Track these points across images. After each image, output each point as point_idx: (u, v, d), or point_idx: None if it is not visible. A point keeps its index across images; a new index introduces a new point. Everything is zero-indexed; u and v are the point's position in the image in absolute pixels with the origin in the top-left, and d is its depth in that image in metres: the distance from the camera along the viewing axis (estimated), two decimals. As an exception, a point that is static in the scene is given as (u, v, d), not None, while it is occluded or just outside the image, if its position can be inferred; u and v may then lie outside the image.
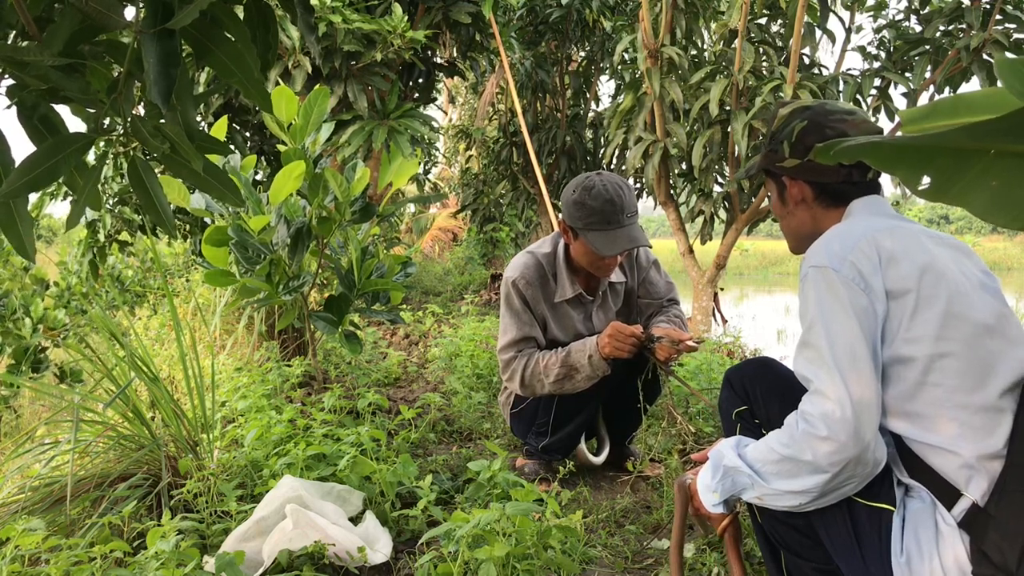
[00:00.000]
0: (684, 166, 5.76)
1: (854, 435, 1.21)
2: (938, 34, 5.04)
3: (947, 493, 1.24)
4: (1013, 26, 4.80)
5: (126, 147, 1.11)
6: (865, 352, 1.25)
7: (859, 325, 1.26)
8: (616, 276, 2.58)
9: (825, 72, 5.38)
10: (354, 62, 5.00)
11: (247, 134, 5.93)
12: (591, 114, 8.70)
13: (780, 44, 5.27)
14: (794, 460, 1.27)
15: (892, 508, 1.27)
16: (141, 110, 1.14)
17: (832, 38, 5.26)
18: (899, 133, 0.73)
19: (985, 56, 4.80)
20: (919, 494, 1.27)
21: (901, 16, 5.44)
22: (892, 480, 1.30)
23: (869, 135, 1.42)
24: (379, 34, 4.79)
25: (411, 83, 5.85)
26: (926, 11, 5.22)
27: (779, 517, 1.43)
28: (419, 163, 3.03)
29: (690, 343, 2.26)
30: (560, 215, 2.44)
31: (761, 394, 1.52)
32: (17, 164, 1.02)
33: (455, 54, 5.86)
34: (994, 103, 0.62)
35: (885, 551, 1.26)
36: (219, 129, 2.76)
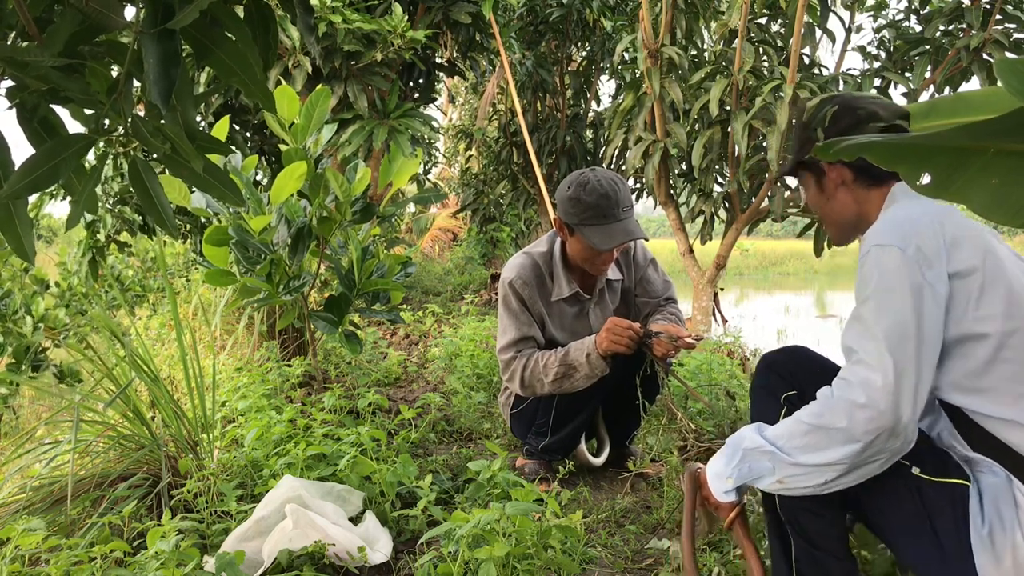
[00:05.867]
0: (684, 166, 5.75)
1: (893, 405, 1.22)
2: (938, 34, 5.04)
3: (1022, 467, 1.25)
4: (1013, 26, 4.79)
5: (126, 147, 1.11)
6: (917, 331, 1.26)
7: (915, 304, 1.26)
8: (613, 274, 2.59)
9: (825, 72, 5.37)
10: (354, 62, 5.00)
11: (247, 134, 5.93)
12: (591, 114, 8.70)
13: (780, 44, 5.26)
14: (826, 429, 1.27)
15: (967, 482, 1.27)
16: (141, 110, 1.14)
17: (832, 38, 5.26)
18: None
19: (985, 56, 4.79)
20: (991, 468, 1.28)
21: (901, 16, 5.44)
22: (955, 457, 1.31)
23: (898, 115, 1.45)
24: (379, 34, 4.79)
25: (411, 83, 5.85)
26: (926, 11, 5.21)
27: (805, 507, 1.42)
28: (420, 162, 3.03)
29: (688, 339, 2.26)
30: (556, 212, 2.45)
31: (809, 380, 1.50)
32: (16, 166, 1.02)
33: (455, 54, 5.86)
34: (994, 102, 0.62)
35: (962, 525, 1.25)
36: (220, 130, 2.76)
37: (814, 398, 1.47)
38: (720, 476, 1.47)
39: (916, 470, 1.31)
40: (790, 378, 1.54)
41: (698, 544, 1.96)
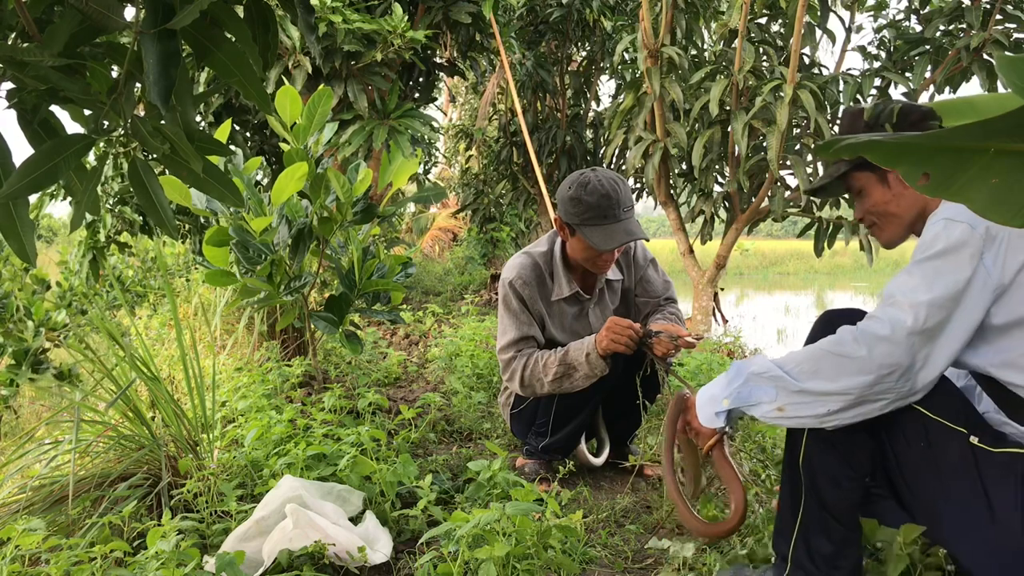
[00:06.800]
0: (684, 166, 5.76)
1: (913, 347, 1.26)
2: (938, 34, 5.04)
3: None
4: (1013, 26, 4.79)
5: (126, 148, 1.11)
6: (962, 301, 1.29)
7: (967, 278, 1.30)
8: (613, 274, 2.59)
9: (825, 72, 5.38)
10: (354, 62, 5.00)
11: (247, 134, 5.93)
12: (591, 114, 8.70)
13: (780, 44, 5.26)
14: (842, 356, 1.30)
15: None
16: (141, 111, 1.14)
17: (832, 38, 5.26)
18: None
19: (985, 56, 4.79)
20: None
21: (901, 16, 5.44)
22: (1008, 434, 1.34)
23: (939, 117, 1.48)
24: (379, 34, 4.79)
25: (411, 83, 5.85)
26: (926, 11, 5.21)
27: (831, 473, 1.42)
28: (419, 163, 3.03)
29: (688, 339, 2.26)
30: (556, 212, 2.45)
31: None
32: (17, 167, 1.02)
33: (455, 54, 5.86)
34: (1000, 107, 0.62)
35: (1020, 493, 1.27)
36: (222, 132, 2.76)
37: None
38: (715, 399, 1.47)
39: (975, 439, 1.32)
40: None
41: (698, 545, 1.95)
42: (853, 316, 1.55)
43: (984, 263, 1.30)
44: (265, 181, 5.95)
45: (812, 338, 1.57)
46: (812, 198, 5.19)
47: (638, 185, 6.52)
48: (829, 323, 1.55)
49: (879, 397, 1.29)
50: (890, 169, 0.56)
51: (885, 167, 0.57)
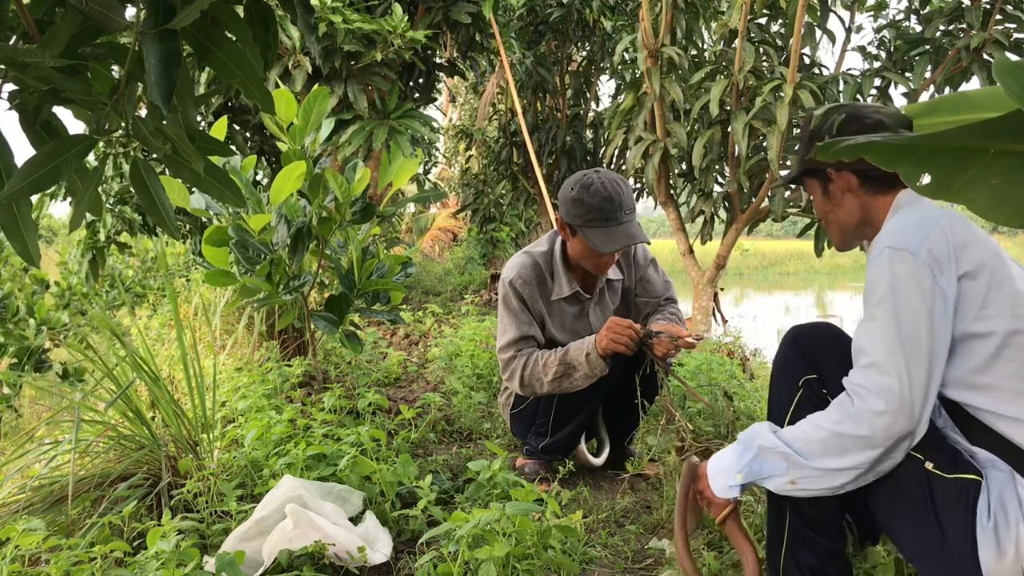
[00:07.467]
0: (684, 166, 5.75)
1: (911, 409, 1.26)
2: (938, 34, 5.04)
3: (1022, 463, 1.28)
4: (1013, 26, 4.79)
5: (126, 148, 1.11)
6: (929, 334, 1.29)
7: (928, 308, 1.30)
8: (613, 274, 2.59)
9: (825, 72, 5.37)
10: (354, 62, 5.00)
11: (247, 134, 5.92)
12: (591, 114, 8.69)
13: (780, 44, 5.26)
14: (846, 436, 1.30)
15: (980, 478, 1.30)
16: (142, 111, 1.14)
17: (832, 38, 5.26)
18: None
19: (985, 56, 4.79)
20: (994, 463, 1.31)
21: (901, 16, 5.44)
22: (963, 453, 1.34)
23: (902, 124, 1.48)
24: (379, 34, 4.79)
25: (411, 83, 5.84)
26: (926, 11, 5.21)
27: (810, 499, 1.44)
28: (419, 163, 3.03)
29: (689, 339, 2.26)
30: (558, 212, 2.45)
31: (832, 363, 1.49)
32: (19, 167, 1.02)
33: (455, 54, 5.86)
34: (996, 101, 0.62)
35: (969, 519, 1.28)
36: (218, 129, 2.76)
37: (833, 383, 1.47)
38: (728, 471, 1.46)
39: (929, 465, 1.32)
40: (812, 357, 1.52)
41: (697, 545, 1.95)
42: (821, 331, 1.55)
43: (939, 287, 1.30)
44: (264, 181, 5.95)
45: (780, 355, 1.57)
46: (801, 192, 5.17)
47: (638, 185, 6.52)
48: (795, 342, 1.55)
49: (889, 458, 1.30)
50: (890, 168, 0.56)
51: (885, 168, 0.57)
